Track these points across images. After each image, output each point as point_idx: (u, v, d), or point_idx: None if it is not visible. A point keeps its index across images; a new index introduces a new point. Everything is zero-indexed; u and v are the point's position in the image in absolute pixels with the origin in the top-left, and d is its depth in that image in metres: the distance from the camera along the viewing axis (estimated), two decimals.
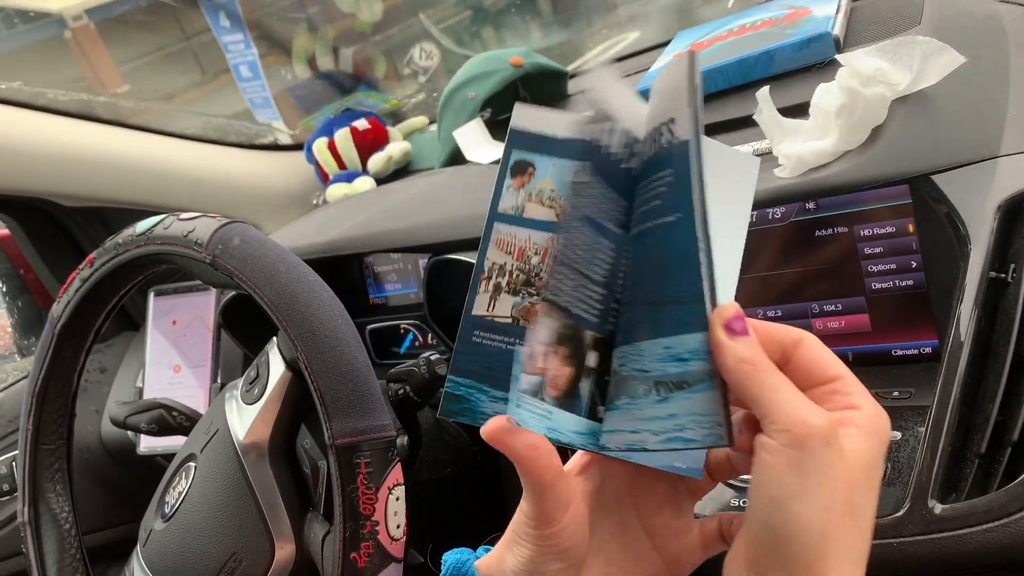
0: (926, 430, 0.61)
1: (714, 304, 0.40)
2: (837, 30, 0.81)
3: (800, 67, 0.82)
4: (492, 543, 0.50)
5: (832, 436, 0.38)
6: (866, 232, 0.72)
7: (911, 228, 0.71)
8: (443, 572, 0.48)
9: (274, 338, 0.73)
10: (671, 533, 0.48)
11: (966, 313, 0.63)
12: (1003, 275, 0.64)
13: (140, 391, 1.23)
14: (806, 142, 0.71)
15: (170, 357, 1.19)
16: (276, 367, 0.73)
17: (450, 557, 0.49)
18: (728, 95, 0.89)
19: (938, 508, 0.60)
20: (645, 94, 0.92)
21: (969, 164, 0.67)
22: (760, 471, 0.39)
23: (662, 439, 0.40)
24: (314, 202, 1.48)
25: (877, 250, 0.73)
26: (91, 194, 1.24)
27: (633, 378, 0.42)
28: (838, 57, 0.70)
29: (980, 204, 0.65)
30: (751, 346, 0.39)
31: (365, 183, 1.38)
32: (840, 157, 0.70)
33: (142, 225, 0.82)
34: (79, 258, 1.38)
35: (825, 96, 0.71)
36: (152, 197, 1.28)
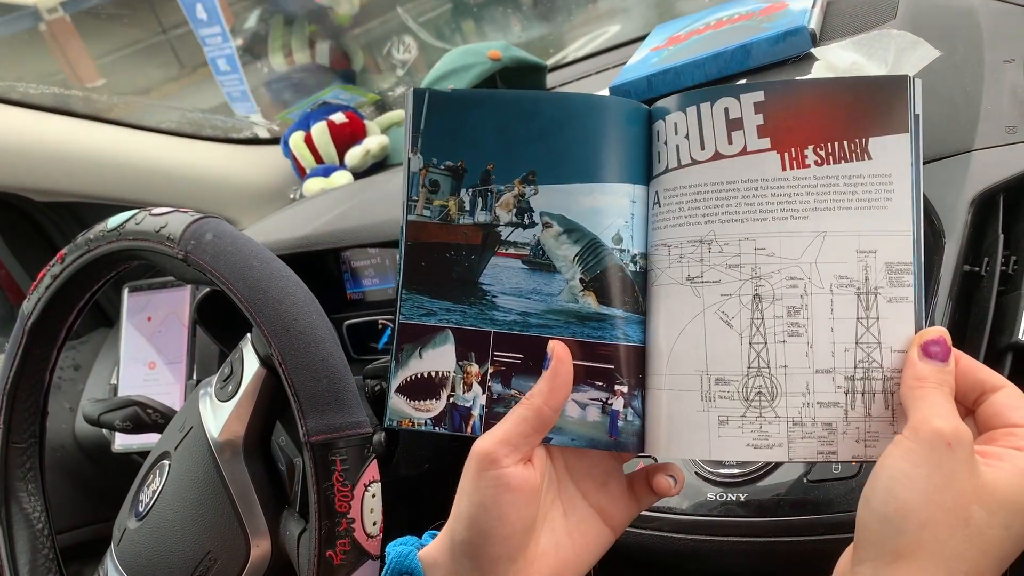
0: None
1: (921, 325, 0.45)
2: (813, 24, 0.81)
3: (777, 61, 0.82)
4: (439, 528, 0.51)
5: (958, 443, 0.40)
6: None
7: None
8: (386, 568, 0.50)
9: (248, 335, 0.73)
10: (605, 494, 0.52)
11: (941, 306, 0.63)
12: (977, 268, 0.65)
13: (114, 388, 1.21)
14: None
15: (145, 354, 1.17)
16: (250, 364, 0.72)
17: (393, 549, 0.51)
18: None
19: None
20: (620, 89, 0.92)
21: (944, 158, 0.67)
22: (880, 459, 0.42)
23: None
24: (291, 196, 1.47)
25: None
26: (63, 189, 1.22)
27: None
28: (814, 51, 0.70)
29: (954, 197, 0.65)
30: (935, 369, 0.42)
31: (343, 177, 1.37)
32: None
33: (114, 220, 0.81)
34: (51, 254, 1.36)
35: None
36: (127, 192, 1.26)
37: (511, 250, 0.52)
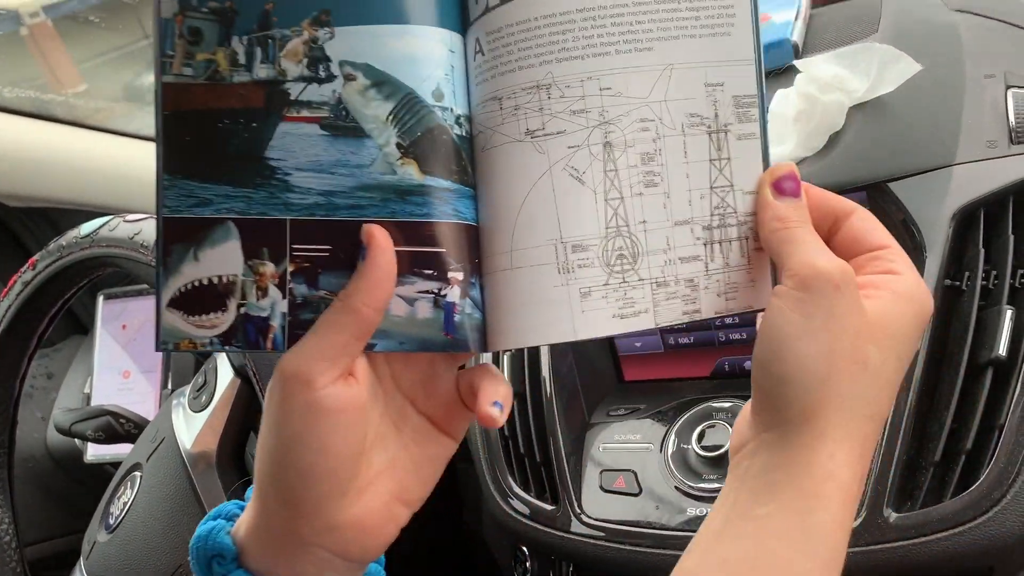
0: (881, 438, 0.61)
1: (767, 163, 0.42)
2: (796, 36, 0.81)
3: None
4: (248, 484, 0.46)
5: (844, 282, 0.38)
6: None
7: None
8: (191, 554, 0.43)
9: None
10: (436, 400, 0.45)
11: None
12: (957, 283, 0.64)
13: (88, 397, 1.20)
14: None
15: (120, 362, 1.16)
16: (224, 373, 0.71)
17: (201, 528, 0.43)
18: None
19: (893, 517, 0.59)
20: None
21: (925, 172, 0.67)
22: (766, 315, 0.39)
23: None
24: None
25: None
26: (38, 194, 1.21)
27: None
28: (796, 63, 0.70)
29: (935, 212, 0.65)
30: (794, 207, 0.40)
31: None
32: (799, 163, 0.70)
33: (87, 227, 0.80)
34: (23, 260, 1.34)
35: (783, 102, 0.71)
36: (103, 198, 1.25)
37: (304, 112, 0.42)
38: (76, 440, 1.15)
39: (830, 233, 0.42)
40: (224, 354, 0.71)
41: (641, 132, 0.42)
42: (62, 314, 0.84)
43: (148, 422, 0.93)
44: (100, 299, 1.20)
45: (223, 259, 0.42)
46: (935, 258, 0.64)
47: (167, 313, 0.42)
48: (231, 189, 0.42)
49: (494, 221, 0.43)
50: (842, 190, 0.69)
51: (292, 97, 0.42)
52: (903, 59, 0.68)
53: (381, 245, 0.40)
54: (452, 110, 0.43)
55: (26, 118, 1.19)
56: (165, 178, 0.42)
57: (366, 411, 0.41)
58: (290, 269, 0.41)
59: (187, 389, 0.81)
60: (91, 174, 1.22)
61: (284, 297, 0.41)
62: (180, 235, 0.42)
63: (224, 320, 0.42)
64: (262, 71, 0.42)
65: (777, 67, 0.79)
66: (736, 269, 0.42)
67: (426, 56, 0.42)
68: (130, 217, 0.77)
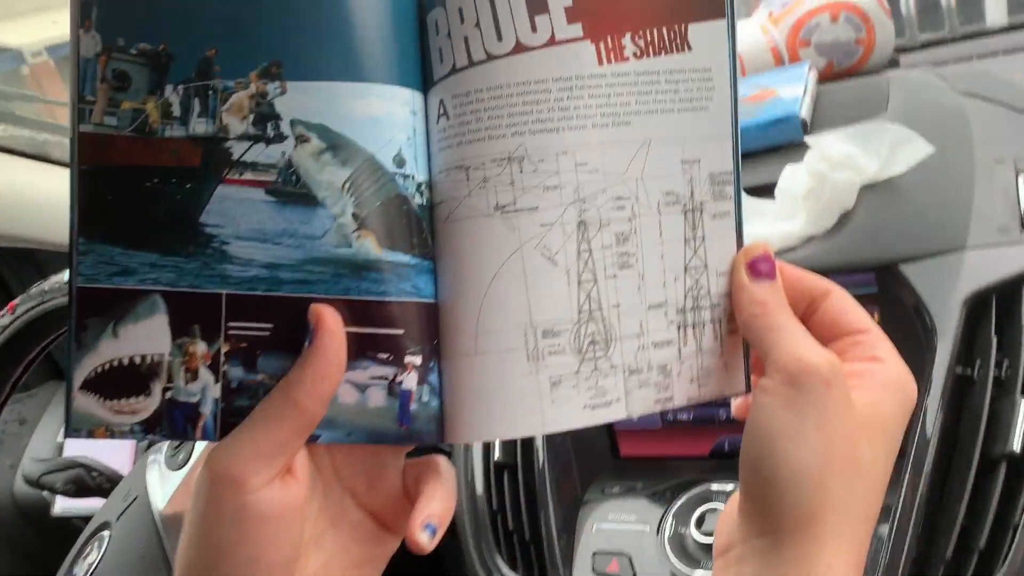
0: (890, 531, 0.58)
1: (740, 242, 0.40)
2: (804, 112, 0.80)
3: (765, 147, 0.81)
4: None
5: (835, 378, 0.36)
6: None
7: (876, 317, 0.69)
8: None
9: None
10: (379, 493, 0.41)
11: (932, 409, 0.60)
12: (969, 371, 0.63)
13: (61, 447, 1.16)
14: (772, 224, 0.69)
15: None
16: None
17: None
18: None
19: None
20: None
21: (936, 255, 0.66)
22: (753, 412, 0.37)
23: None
24: None
25: None
26: (25, 235, 1.18)
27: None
28: (807, 140, 0.69)
29: (947, 297, 0.64)
30: (772, 290, 0.38)
31: None
32: (807, 242, 0.69)
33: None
34: (5, 303, 1.31)
35: (792, 178, 0.70)
36: None
37: (248, 175, 0.37)
38: (44, 492, 1.10)
39: (806, 314, 0.40)
40: None
41: (617, 211, 0.39)
42: (39, 360, 0.81)
43: (122, 477, 0.90)
44: None
45: (147, 336, 0.37)
46: (946, 345, 0.62)
47: (80, 396, 0.37)
48: (158, 257, 0.37)
49: (458, 301, 0.39)
50: (852, 270, 0.67)
51: (234, 157, 0.37)
52: (915, 140, 0.67)
53: (330, 329, 0.36)
54: (414, 177, 0.39)
55: (18, 157, 1.17)
56: (81, 242, 0.36)
57: (303, 512, 0.36)
58: (225, 349, 0.37)
59: (165, 445, 0.78)
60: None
61: (217, 381, 0.37)
62: (98, 308, 0.36)
63: (147, 405, 0.37)
64: (200, 126, 0.37)
65: (786, 142, 0.78)
66: (709, 354, 0.41)
67: (388, 118, 0.38)
68: None
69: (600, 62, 0.39)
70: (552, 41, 0.39)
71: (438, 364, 0.39)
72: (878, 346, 0.39)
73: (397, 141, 0.39)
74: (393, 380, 0.38)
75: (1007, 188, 0.70)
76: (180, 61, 0.37)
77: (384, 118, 0.38)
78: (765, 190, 0.74)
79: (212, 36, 0.37)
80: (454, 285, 0.39)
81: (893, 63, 1.05)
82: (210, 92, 0.37)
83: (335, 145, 0.38)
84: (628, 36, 0.39)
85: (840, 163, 0.66)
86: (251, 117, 0.37)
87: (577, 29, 0.39)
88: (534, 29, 0.39)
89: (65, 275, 0.79)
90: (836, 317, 0.40)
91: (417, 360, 0.39)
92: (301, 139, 0.37)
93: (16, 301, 0.80)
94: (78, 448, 1.13)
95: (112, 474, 0.92)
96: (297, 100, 0.37)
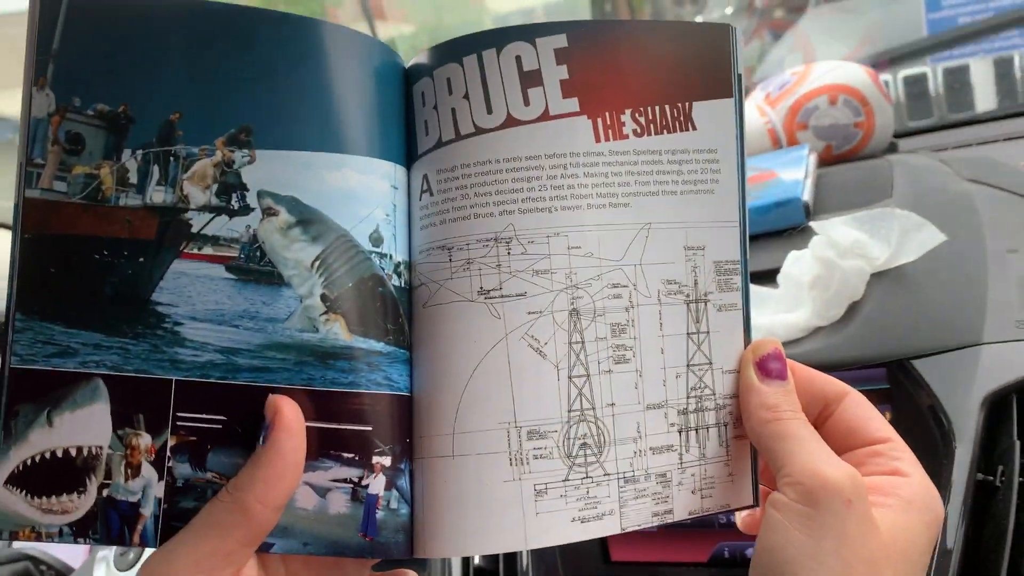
0: None
1: (748, 338, 0.37)
2: (807, 195, 0.77)
3: (766, 231, 0.78)
4: None
5: (856, 496, 0.32)
6: None
7: (888, 415, 0.64)
8: None
9: None
10: None
11: (953, 519, 0.55)
12: (991, 477, 0.58)
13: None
14: (776, 313, 0.65)
15: None
16: None
17: None
18: None
19: None
20: None
21: (951, 350, 0.62)
22: (765, 531, 0.33)
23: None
24: None
25: None
26: None
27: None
28: (813, 225, 0.65)
29: (964, 397, 0.59)
30: (783, 392, 0.35)
31: None
32: (814, 333, 0.64)
33: None
34: None
35: (796, 265, 0.66)
36: None
37: (207, 249, 0.34)
38: None
39: (820, 419, 0.37)
40: None
41: (613, 299, 0.37)
42: None
43: (72, 571, 0.83)
44: None
45: (86, 426, 0.33)
46: (965, 449, 0.57)
47: (3, 491, 0.33)
48: (103, 338, 0.34)
49: (434, 394, 0.36)
50: (862, 366, 0.63)
51: (193, 230, 0.34)
52: (926, 227, 0.63)
53: (289, 425, 0.32)
54: (391, 257, 0.36)
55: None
56: (18, 318, 0.33)
57: None
58: (171, 443, 0.34)
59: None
60: None
61: (161, 478, 0.33)
62: (31, 392, 0.33)
63: (80, 504, 0.33)
64: (158, 195, 0.34)
65: (788, 227, 0.75)
66: (713, 461, 0.37)
67: (366, 192, 0.36)
68: None
69: (597, 139, 0.37)
70: (546, 115, 0.36)
71: (409, 466, 0.36)
72: (901, 458, 0.36)
73: (375, 218, 0.36)
74: (358, 483, 0.34)
75: (1023, 280, 0.66)
76: (140, 124, 0.34)
77: (361, 192, 0.35)
78: (766, 276, 0.71)
79: (177, 97, 0.34)
80: (431, 377, 0.36)
81: (892, 147, 1.03)
82: (171, 158, 0.34)
83: (306, 219, 0.35)
84: (628, 112, 0.37)
85: (848, 250, 0.62)
86: (215, 187, 0.35)
87: (573, 104, 0.36)
88: (527, 102, 0.36)
89: None
90: (853, 424, 0.37)
91: (386, 461, 0.35)
92: (269, 212, 0.35)
93: None
94: None
95: (61, 568, 0.85)
96: (266, 170, 0.34)
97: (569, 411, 0.36)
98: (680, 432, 0.37)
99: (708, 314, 0.37)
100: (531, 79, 0.36)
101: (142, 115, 0.34)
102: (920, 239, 0.63)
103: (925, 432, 0.61)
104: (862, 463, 0.35)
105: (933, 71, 1.35)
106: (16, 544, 1.00)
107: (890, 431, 0.36)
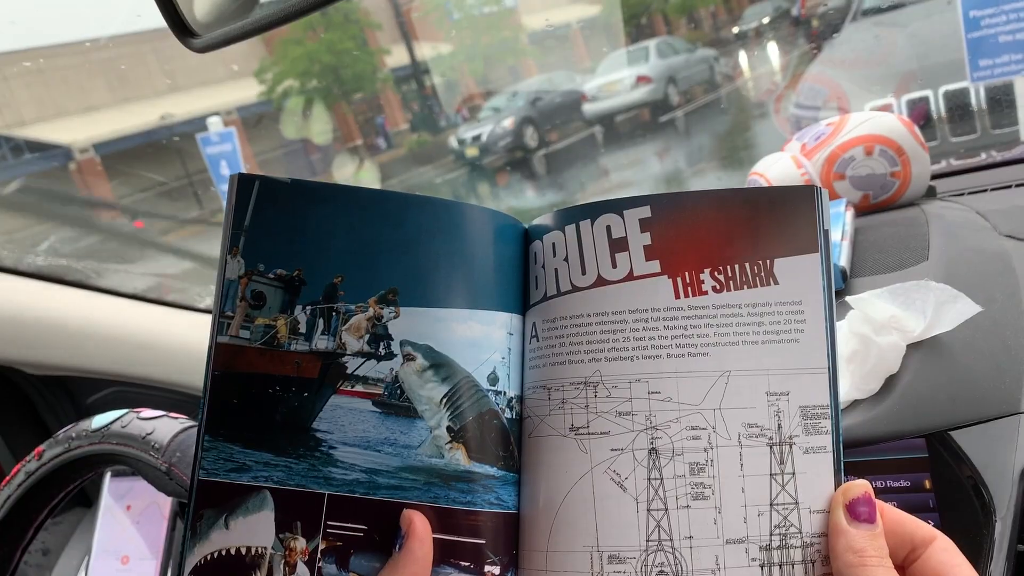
0: None
1: (840, 479, 0.39)
2: (844, 261, 0.79)
3: None
4: None
5: None
6: (878, 484, 0.67)
7: (928, 485, 0.66)
8: None
9: None
10: None
11: None
12: None
13: None
14: None
15: (119, 546, 1.09)
16: None
17: None
18: None
19: None
20: None
21: (989, 420, 0.63)
22: None
23: None
24: None
25: (892, 504, 0.68)
26: (59, 363, 1.19)
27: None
28: (849, 300, 0.67)
29: (1003, 468, 0.60)
30: (871, 536, 0.37)
31: None
32: (852, 406, 0.66)
33: (99, 420, 0.78)
34: (38, 430, 1.30)
35: None
36: (121, 367, 1.22)
37: (359, 387, 0.42)
38: None
39: (906, 562, 0.38)
40: None
41: (691, 440, 0.40)
42: (63, 504, 0.80)
43: None
44: (107, 475, 1.15)
45: (254, 529, 0.40)
46: (1006, 522, 0.58)
47: None
48: (272, 457, 0.41)
49: (534, 514, 0.41)
50: (900, 437, 0.64)
51: (348, 371, 0.42)
52: (960, 300, 0.65)
53: (420, 535, 0.38)
54: (505, 393, 0.43)
55: (52, 284, 1.19)
56: (206, 439, 0.41)
57: None
58: (322, 547, 0.40)
59: None
60: (115, 342, 1.20)
61: None
62: (214, 500, 0.40)
63: None
64: (321, 342, 0.42)
65: None
66: None
67: (486, 340, 0.43)
68: (144, 414, 0.75)
69: (676, 295, 0.41)
70: (630, 276, 0.41)
71: (515, 574, 0.41)
72: None
73: (492, 361, 0.43)
74: None
75: None
76: (311, 285, 0.42)
77: (482, 340, 0.43)
78: None
79: (340, 265, 0.42)
80: (531, 499, 0.42)
81: (930, 191, 1.03)
82: (334, 313, 0.42)
83: (437, 364, 0.42)
84: (707, 272, 0.41)
85: (884, 325, 0.64)
86: (367, 336, 0.42)
87: (655, 265, 0.41)
88: (614, 265, 0.42)
89: (92, 423, 0.79)
90: (939, 570, 0.37)
91: (496, 570, 0.41)
92: (408, 357, 0.42)
93: (43, 447, 0.80)
94: None
95: None
96: (408, 323, 0.42)
97: (647, 540, 0.39)
98: (762, 567, 0.39)
99: (793, 456, 0.39)
100: (619, 245, 0.42)
101: (312, 278, 0.42)
102: (955, 311, 0.64)
103: (965, 500, 0.63)
104: None
105: (975, 87, 1.34)
106: None
107: None
